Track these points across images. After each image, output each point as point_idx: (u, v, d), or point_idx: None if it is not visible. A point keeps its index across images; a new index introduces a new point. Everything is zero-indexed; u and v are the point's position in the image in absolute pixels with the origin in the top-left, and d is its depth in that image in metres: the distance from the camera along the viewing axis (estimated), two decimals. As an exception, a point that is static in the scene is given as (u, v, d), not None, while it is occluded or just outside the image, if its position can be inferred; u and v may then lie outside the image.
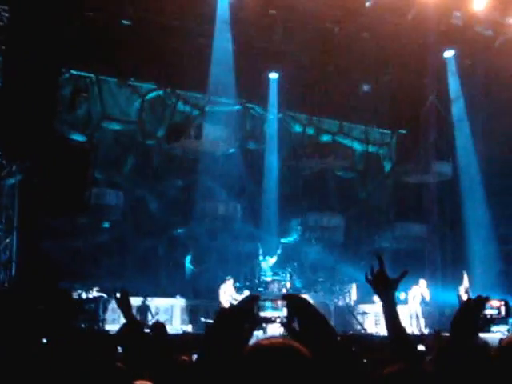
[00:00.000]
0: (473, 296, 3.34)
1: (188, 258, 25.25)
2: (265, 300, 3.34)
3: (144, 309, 19.49)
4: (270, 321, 3.21)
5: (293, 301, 3.31)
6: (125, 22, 21.63)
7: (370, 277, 3.76)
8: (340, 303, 23.19)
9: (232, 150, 25.11)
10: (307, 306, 3.24)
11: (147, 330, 7.57)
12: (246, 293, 20.26)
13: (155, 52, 21.90)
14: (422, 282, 21.10)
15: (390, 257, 28.09)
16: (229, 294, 19.79)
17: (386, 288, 3.70)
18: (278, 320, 3.17)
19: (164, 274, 24.48)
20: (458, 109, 25.61)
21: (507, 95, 24.60)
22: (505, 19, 22.36)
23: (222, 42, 22.23)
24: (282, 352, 2.41)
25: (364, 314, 22.29)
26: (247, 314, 3.10)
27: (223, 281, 20.11)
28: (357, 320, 21.77)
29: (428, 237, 27.94)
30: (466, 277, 20.90)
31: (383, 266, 3.70)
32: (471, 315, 3.09)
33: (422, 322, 20.67)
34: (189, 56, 22.20)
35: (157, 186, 24.96)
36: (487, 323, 3.21)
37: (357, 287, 23.84)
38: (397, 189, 28.98)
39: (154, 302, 20.26)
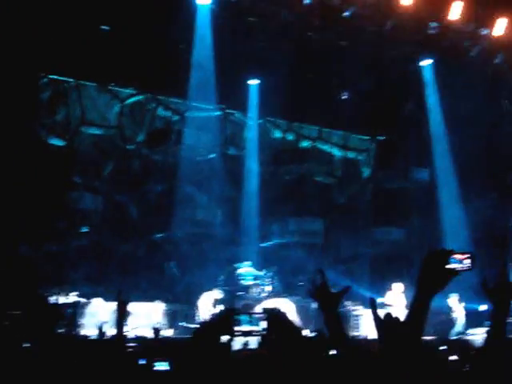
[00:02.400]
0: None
1: (168, 263, 25.27)
2: (240, 314, 3.40)
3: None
4: (247, 334, 3.30)
5: (272, 315, 3.39)
6: (104, 26, 21.63)
7: (312, 290, 3.84)
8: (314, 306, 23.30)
9: (212, 156, 25.18)
10: (285, 321, 3.35)
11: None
12: (221, 307, 20.39)
13: (135, 57, 21.90)
14: (399, 286, 21.33)
15: (369, 261, 28.35)
16: (209, 304, 19.95)
17: (328, 302, 3.78)
18: (255, 333, 3.24)
19: (143, 278, 24.46)
20: (435, 116, 25.85)
21: (483, 102, 24.91)
22: (481, 29, 22.64)
23: (203, 48, 22.30)
24: (256, 362, 2.50)
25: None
26: (224, 327, 3.19)
27: (207, 289, 20.27)
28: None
29: (407, 241, 28.18)
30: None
31: (325, 281, 3.79)
32: (435, 268, 3.10)
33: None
34: (169, 61, 22.22)
35: (136, 190, 24.95)
36: (451, 276, 3.24)
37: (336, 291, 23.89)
38: (376, 194, 29.21)
39: (134, 307, 20.29)
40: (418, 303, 3.01)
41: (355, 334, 21.63)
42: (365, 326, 22.15)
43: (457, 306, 22.11)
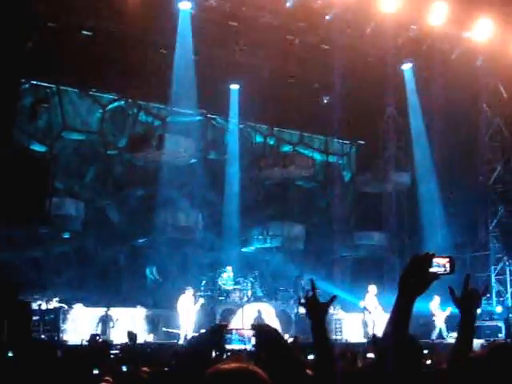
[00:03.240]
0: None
1: (150, 268, 25.24)
2: (231, 331, 3.42)
3: (106, 319, 19.44)
4: (237, 352, 3.31)
5: (262, 332, 3.41)
6: (85, 32, 21.60)
7: (303, 301, 3.90)
8: (301, 311, 23.35)
9: (193, 161, 25.18)
10: (276, 337, 3.38)
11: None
12: (201, 300, 20.37)
13: (116, 62, 21.91)
14: (372, 288, 21.44)
15: (350, 265, 28.47)
16: (187, 305, 19.94)
17: (317, 312, 3.84)
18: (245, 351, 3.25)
19: (125, 283, 24.45)
20: (415, 120, 25.98)
21: (464, 107, 25.08)
22: (461, 33, 22.82)
23: (184, 53, 22.30)
24: (242, 376, 2.52)
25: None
26: (214, 344, 3.20)
27: (183, 291, 20.21)
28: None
29: (387, 245, 28.31)
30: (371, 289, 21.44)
31: (315, 292, 3.85)
32: (418, 272, 3.14)
33: (378, 329, 20.96)
34: (150, 67, 22.26)
35: (118, 196, 24.94)
36: (433, 280, 3.28)
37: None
38: (357, 198, 29.35)
39: (115, 312, 20.23)
40: (400, 306, 3.07)
41: (337, 337, 21.72)
42: (346, 330, 22.25)
43: (437, 310, 22.24)
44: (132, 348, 13.66)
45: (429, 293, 3.25)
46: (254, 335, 3.56)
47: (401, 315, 3.07)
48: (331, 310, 22.95)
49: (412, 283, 3.11)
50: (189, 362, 3.18)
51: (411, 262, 3.17)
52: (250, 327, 3.37)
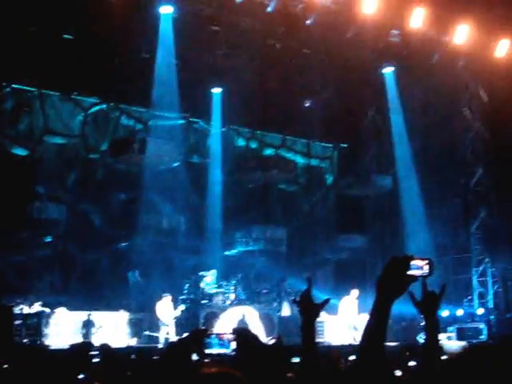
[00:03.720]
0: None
1: (132, 272, 25.19)
2: (211, 336, 3.42)
3: (88, 323, 19.40)
4: (217, 356, 3.33)
5: (242, 336, 3.43)
6: (67, 36, 21.58)
7: (298, 299, 3.89)
8: (283, 314, 23.40)
9: (176, 164, 25.16)
10: (256, 342, 3.40)
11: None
12: (182, 307, 20.41)
13: (98, 66, 21.89)
14: (354, 292, 21.59)
15: (333, 268, 28.54)
16: (166, 311, 19.99)
17: (310, 311, 3.85)
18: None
19: (108, 287, 24.39)
20: (397, 123, 26.10)
21: (444, 110, 25.24)
22: (441, 37, 22.97)
23: (166, 57, 22.32)
24: (222, 380, 2.55)
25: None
26: (194, 349, 3.22)
27: (160, 297, 20.27)
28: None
29: (369, 248, 28.45)
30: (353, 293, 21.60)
31: (310, 290, 3.85)
32: (396, 274, 3.14)
33: (359, 332, 21.06)
34: (132, 70, 22.24)
35: (100, 199, 24.85)
36: (411, 282, 3.30)
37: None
38: (339, 201, 29.42)
39: (98, 316, 20.19)
40: (378, 308, 3.09)
41: (319, 340, 21.78)
42: (328, 333, 22.30)
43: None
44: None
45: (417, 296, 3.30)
46: (234, 339, 3.58)
47: (379, 317, 3.09)
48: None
49: (390, 285, 3.12)
50: (169, 366, 3.21)
51: (389, 264, 3.18)
52: (230, 331, 3.40)
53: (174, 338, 19.29)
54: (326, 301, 3.92)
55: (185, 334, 3.80)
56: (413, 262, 3.28)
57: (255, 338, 3.76)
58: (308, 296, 3.84)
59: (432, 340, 3.72)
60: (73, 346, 5.51)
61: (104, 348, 7.98)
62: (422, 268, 3.35)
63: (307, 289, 3.91)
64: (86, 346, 5.33)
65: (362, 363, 3.06)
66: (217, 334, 3.56)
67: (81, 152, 24.80)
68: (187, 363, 3.13)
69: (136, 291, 24.76)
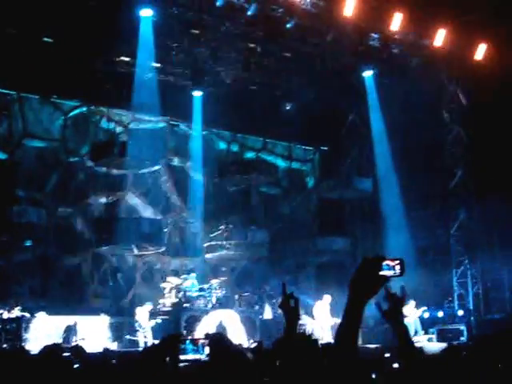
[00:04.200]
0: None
1: (116, 275, 25.13)
2: (185, 341, 3.42)
3: (70, 328, 19.30)
4: (191, 362, 3.32)
5: (216, 341, 3.43)
6: (46, 39, 21.50)
7: (279, 303, 3.92)
8: (265, 317, 23.43)
9: (156, 167, 25.16)
10: (230, 347, 3.41)
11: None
12: (158, 321, 20.43)
13: (78, 69, 21.83)
14: (327, 298, 21.72)
15: (314, 270, 28.60)
16: (144, 317, 20.04)
17: (291, 315, 3.87)
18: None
19: (88, 291, 24.32)
20: (377, 126, 26.19)
21: (424, 112, 25.35)
22: (420, 40, 23.08)
23: (146, 60, 22.26)
24: None
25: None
26: (168, 354, 3.22)
27: (141, 304, 20.29)
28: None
29: (350, 250, 28.53)
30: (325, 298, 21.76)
31: (286, 294, 3.87)
32: (369, 274, 3.17)
33: (329, 334, 21.21)
34: (112, 73, 22.21)
35: (81, 203, 24.78)
36: (384, 282, 3.30)
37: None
38: (320, 204, 29.52)
39: (79, 320, 20.10)
40: (351, 309, 3.10)
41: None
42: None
43: (411, 313, 22.55)
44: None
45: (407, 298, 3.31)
46: (208, 344, 3.59)
47: (352, 318, 3.11)
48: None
49: (363, 286, 3.14)
50: (144, 372, 3.22)
51: (362, 265, 3.20)
52: (203, 336, 3.41)
53: (151, 341, 19.28)
54: (296, 300, 3.94)
55: (158, 341, 3.82)
56: (385, 263, 3.30)
57: (229, 342, 3.78)
58: (285, 300, 3.87)
59: (405, 345, 3.70)
60: (43, 348, 5.49)
61: (76, 350, 7.94)
62: (393, 268, 3.37)
63: (283, 294, 3.93)
64: (56, 348, 5.30)
65: (334, 363, 3.08)
66: (191, 340, 3.57)
67: (61, 155, 24.71)
68: (162, 369, 3.14)
69: (117, 295, 24.71)
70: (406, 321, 22.14)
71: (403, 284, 3.62)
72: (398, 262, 3.41)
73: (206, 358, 3.36)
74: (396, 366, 9.72)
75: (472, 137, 26.22)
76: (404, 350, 3.69)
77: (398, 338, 3.68)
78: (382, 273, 3.23)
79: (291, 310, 3.88)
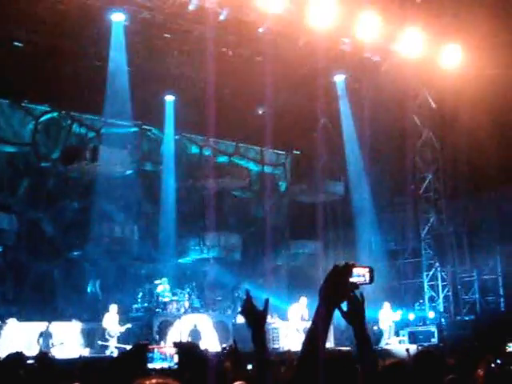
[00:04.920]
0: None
1: (93, 282, 25.02)
2: (153, 350, 3.45)
3: (46, 335, 19.18)
4: (159, 371, 3.34)
5: (184, 349, 3.45)
6: (17, 43, 21.38)
7: (242, 309, 3.91)
8: (238, 321, 23.46)
9: (129, 172, 25.08)
10: (198, 353, 3.44)
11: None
12: (128, 325, 20.39)
13: (49, 74, 21.70)
14: (303, 300, 21.83)
15: (286, 274, 28.68)
16: (112, 323, 20.01)
17: (255, 320, 3.86)
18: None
19: (60, 297, 24.17)
20: (348, 130, 26.36)
21: (395, 117, 25.56)
22: (390, 45, 23.26)
23: (118, 65, 22.19)
24: None
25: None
26: (136, 365, 3.24)
27: (107, 309, 20.26)
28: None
29: (322, 253, 28.64)
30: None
31: (250, 300, 3.87)
32: (338, 281, 3.21)
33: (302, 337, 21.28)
34: (84, 78, 22.10)
35: (52, 208, 24.65)
36: (353, 289, 3.34)
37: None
38: (292, 208, 29.63)
39: (50, 326, 19.97)
40: (321, 315, 3.14)
41: (275, 346, 21.88)
42: (283, 338, 22.41)
43: (386, 316, 22.75)
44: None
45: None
46: (176, 353, 3.61)
47: (321, 323, 3.14)
48: (269, 319, 23.12)
49: (332, 292, 3.18)
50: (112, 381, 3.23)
51: (332, 272, 3.24)
52: (171, 345, 3.43)
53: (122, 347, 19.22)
54: (266, 302, 3.95)
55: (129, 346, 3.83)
56: (354, 270, 3.34)
57: (197, 350, 3.80)
58: (249, 306, 3.87)
59: (366, 347, 3.73)
60: (6, 357, 5.46)
61: (41, 358, 7.89)
62: (363, 276, 3.42)
63: (247, 300, 3.92)
64: (18, 356, 5.28)
65: (303, 368, 3.11)
66: (159, 349, 3.59)
67: (32, 160, 24.55)
68: (129, 378, 3.16)
69: (90, 300, 24.60)
70: (382, 326, 22.46)
71: (362, 292, 3.64)
72: (367, 269, 3.45)
73: (175, 366, 3.39)
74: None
75: (442, 140, 26.50)
76: (362, 355, 3.69)
77: (359, 343, 3.70)
78: (351, 280, 3.27)
79: (257, 315, 3.88)
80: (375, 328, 22.72)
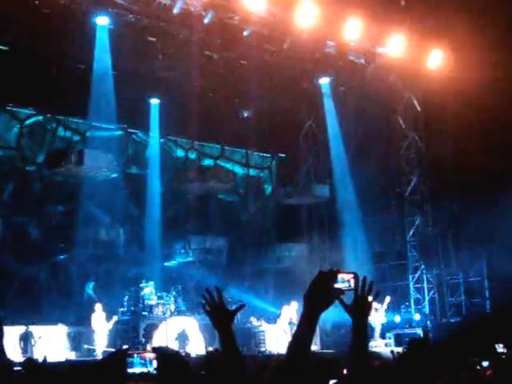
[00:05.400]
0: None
1: (88, 284, 24.94)
2: (133, 355, 3.43)
3: (26, 337, 19.13)
4: (139, 376, 3.33)
5: (162, 354, 3.44)
6: (1, 47, 21.31)
7: (208, 308, 3.83)
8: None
9: (114, 175, 24.98)
10: (176, 359, 3.43)
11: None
12: (115, 318, 20.38)
13: (34, 77, 21.65)
14: (293, 304, 21.83)
15: (273, 277, 28.67)
16: (100, 323, 19.98)
17: (223, 320, 3.81)
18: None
19: (46, 301, 24.06)
20: (333, 133, 26.40)
21: (380, 119, 25.65)
22: (375, 48, 23.39)
23: (102, 68, 22.14)
24: None
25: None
26: (116, 371, 3.23)
27: (94, 311, 20.24)
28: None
29: (308, 256, 28.67)
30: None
31: (221, 298, 3.81)
32: (323, 287, 3.24)
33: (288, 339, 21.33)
34: (69, 81, 22.03)
35: (38, 212, 24.53)
36: (338, 295, 3.33)
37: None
38: (278, 211, 29.62)
39: (36, 330, 19.89)
40: (305, 320, 3.14)
41: (261, 349, 21.89)
42: (269, 341, 22.41)
43: (381, 312, 22.84)
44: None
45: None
46: (155, 358, 3.58)
47: (305, 329, 3.15)
48: (255, 323, 23.14)
49: (317, 298, 3.18)
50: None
51: (317, 278, 3.24)
52: (151, 350, 3.42)
53: (109, 349, 19.18)
54: (241, 307, 3.89)
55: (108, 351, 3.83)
56: (339, 276, 3.33)
57: (177, 355, 3.79)
58: (218, 304, 3.80)
59: (361, 344, 3.62)
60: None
61: (28, 363, 7.87)
62: (348, 281, 3.42)
63: (218, 297, 3.85)
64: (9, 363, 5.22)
65: (286, 372, 3.12)
66: (138, 354, 3.60)
67: (17, 164, 24.46)
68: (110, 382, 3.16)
69: (76, 304, 24.48)
70: (374, 319, 22.46)
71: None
72: (352, 275, 3.44)
73: (154, 371, 3.38)
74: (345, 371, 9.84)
75: (426, 143, 26.60)
76: (356, 351, 3.61)
77: (354, 336, 3.57)
78: (336, 286, 3.28)
79: (225, 314, 3.81)
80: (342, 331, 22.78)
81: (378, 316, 22.87)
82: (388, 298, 23.22)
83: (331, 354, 18.06)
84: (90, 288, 24.93)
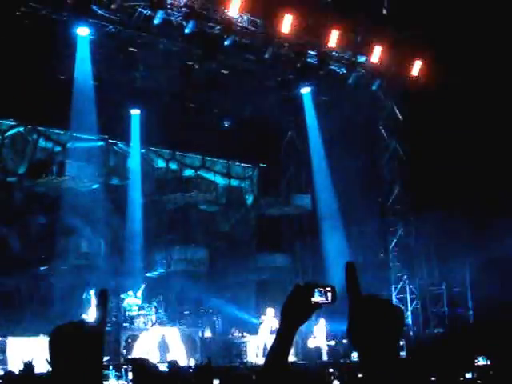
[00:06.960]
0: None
1: (87, 290, 24.79)
2: (108, 367, 3.40)
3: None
4: None
5: (136, 365, 3.42)
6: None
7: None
8: (206, 335, 23.40)
9: (95, 186, 24.95)
10: (150, 370, 3.41)
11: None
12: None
13: (14, 88, 21.57)
14: (270, 311, 21.81)
15: (254, 287, 28.67)
16: None
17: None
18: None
19: (27, 312, 23.92)
20: (315, 143, 26.44)
21: (361, 128, 25.72)
22: (357, 57, 23.48)
23: (83, 78, 22.10)
24: None
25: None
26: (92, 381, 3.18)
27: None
28: None
29: (290, 267, 28.68)
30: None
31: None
32: (300, 301, 3.16)
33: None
34: (49, 92, 21.98)
35: (18, 223, 24.44)
36: (315, 309, 3.30)
37: (222, 318, 24.39)
38: (259, 221, 29.63)
39: (16, 342, 19.71)
40: (281, 334, 3.14)
41: (243, 360, 21.84)
42: (251, 352, 22.34)
43: (320, 331, 22.73)
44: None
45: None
46: (130, 370, 3.57)
47: (282, 343, 3.14)
48: (236, 334, 23.11)
49: (294, 312, 3.17)
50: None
51: (294, 291, 3.23)
52: (126, 361, 3.39)
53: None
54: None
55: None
56: (316, 289, 3.31)
57: (152, 366, 3.77)
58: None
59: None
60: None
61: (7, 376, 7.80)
62: (325, 294, 3.39)
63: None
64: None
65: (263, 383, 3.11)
66: (114, 365, 3.55)
67: (-2, 175, 24.36)
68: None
69: (58, 315, 24.32)
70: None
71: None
72: (329, 288, 3.41)
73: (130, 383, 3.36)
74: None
75: (408, 152, 26.68)
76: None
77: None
78: (313, 299, 3.26)
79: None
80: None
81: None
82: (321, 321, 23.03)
83: (317, 366, 18.07)
84: (88, 293, 24.82)
